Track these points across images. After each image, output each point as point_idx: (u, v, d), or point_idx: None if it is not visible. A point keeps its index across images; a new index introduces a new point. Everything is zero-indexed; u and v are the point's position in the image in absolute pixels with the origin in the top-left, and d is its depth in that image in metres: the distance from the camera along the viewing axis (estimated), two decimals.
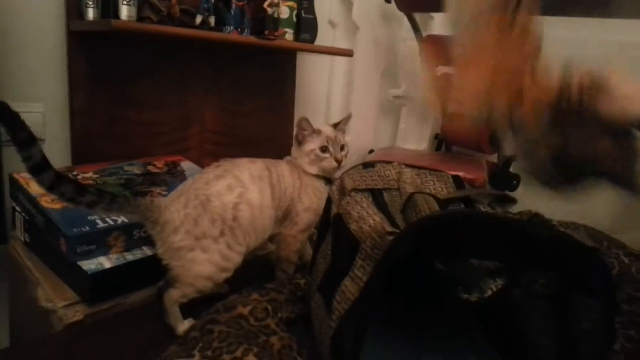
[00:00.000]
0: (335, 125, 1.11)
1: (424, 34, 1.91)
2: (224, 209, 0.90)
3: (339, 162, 1.06)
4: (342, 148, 1.08)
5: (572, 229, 1.08)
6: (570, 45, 1.72)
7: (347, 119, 1.13)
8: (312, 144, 1.05)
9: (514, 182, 1.83)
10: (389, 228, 0.60)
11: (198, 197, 0.89)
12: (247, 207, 0.93)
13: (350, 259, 0.63)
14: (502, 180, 1.81)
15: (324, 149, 1.05)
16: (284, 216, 1.03)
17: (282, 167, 1.04)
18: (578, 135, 0.76)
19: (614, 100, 0.73)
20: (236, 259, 0.92)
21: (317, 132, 1.06)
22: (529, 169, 0.85)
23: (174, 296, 0.88)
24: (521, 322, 0.82)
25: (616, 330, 0.74)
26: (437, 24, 1.99)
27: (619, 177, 0.81)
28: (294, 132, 1.07)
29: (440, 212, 0.63)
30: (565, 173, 0.81)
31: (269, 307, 0.88)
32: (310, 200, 1.04)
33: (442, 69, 1.21)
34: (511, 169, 1.81)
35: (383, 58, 1.99)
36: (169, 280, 0.89)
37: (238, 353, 0.75)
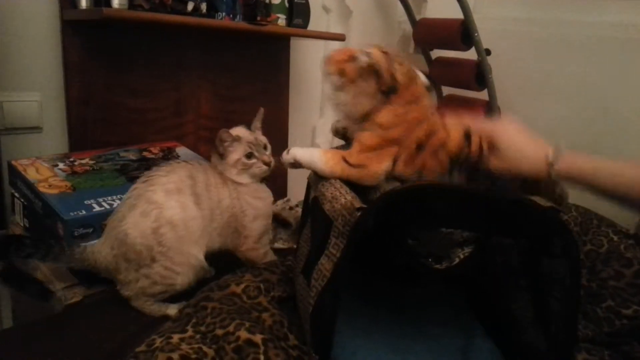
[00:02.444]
0: (248, 127, 1.08)
1: (418, 17, 1.92)
2: (144, 237, 0.88)
3: (267, 164, 1.03)
4: (265, 148, 1.05)
5: (563, 207, 1.10)
6: (566, 26, 1.73)
7: (260, 115, 1.10)
8: (236, 154, 1.01)
9: None
10: (358, 204, 0.62)
11: (117, 236, 0.89)
12: (169, 227, 0.89)
13: (325, 238, 0.66)
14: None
15: (249, 156, 1.01)
16: (232, 231, 1.01)
17: (214, 176, 1.00)
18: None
19: (503, 160, 0.80)
20: (181, 277, 0.92)
21: (237, 139, 1.02)
22: None
23: (138, 304, 0.92)
24: (504, 298, 0.85)
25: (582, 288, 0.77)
26: (431, 7, 2.00)
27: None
28: (216, 146, 1.02)
29: (406, 186, 0.66)
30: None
31: (262, 286, 0.91)
32: (254, 207, 1.02)
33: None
34: None
35: (377, 41, 1.99)
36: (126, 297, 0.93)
37: (231, 328, 0.78)
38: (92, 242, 0.96)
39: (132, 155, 1.29)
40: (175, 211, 0.90)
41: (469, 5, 1.68)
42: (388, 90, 0.82)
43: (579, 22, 1.76)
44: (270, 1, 1.47)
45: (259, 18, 1.47)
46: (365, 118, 0.84)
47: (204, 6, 1.36)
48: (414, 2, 1.94)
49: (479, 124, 0.85)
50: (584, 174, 0.75)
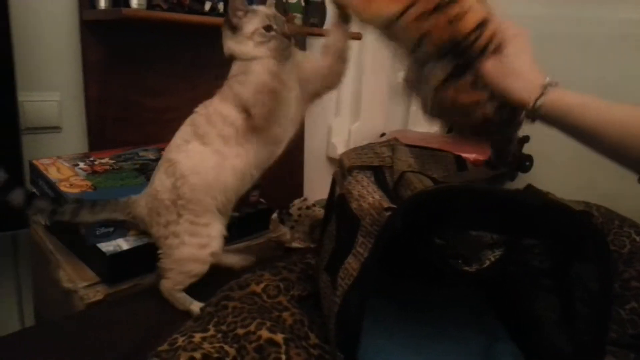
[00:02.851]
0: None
1: None
2: (169, 192, 0.91)
3: (288, 37, 0.93)
4: (284, 23, 0.95)
5: (583, 207, 1.09)
6: (584, 24, 1.71)
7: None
8: (252, 25, 0.92)
9: (527, 163, 1.83)
10: (386, 204, 0.62)
11: (150, 193, 0.94)
12: (183, 180, 0.90)
13: (352, 237, 0.65)
14: (515, 160, 1.81)
15: (267, 28, 0.91)
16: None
17: (213, 102, 0.96)
18: (462, 81, 0.76)
19: (501, 68, 0.74)
20: (208, 230, 0.91)
21: (253, 12, 0.93)
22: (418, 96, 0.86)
23: (167, 285, 0.92)
24: (526, 299, 0.84)
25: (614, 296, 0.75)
26: None
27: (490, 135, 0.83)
28: (225, 18, 0.94)
29: (435, 187, 0.65)
30: (438, 113, 0.83)
31: (281, 285, 0.91)
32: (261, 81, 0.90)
33: None
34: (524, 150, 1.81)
35: None
36: (159, 272, 0.93)
37: (252, 327, 0.78)
38: (135, 195, 0.99)
39: (151, 155, 1.30)
40: (184, 162, 0.91)
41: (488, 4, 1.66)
42: None
43: (597, 19, 1.74)
44: (287, 1, 1.47)
45: None
46: None
47: (221, 6, 1.36)
48: None
49: (499, 20, 0.77)
50: (571, 108, 0.70)
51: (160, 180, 0.92)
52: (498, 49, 0.75)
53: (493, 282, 0.86)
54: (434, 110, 0.81)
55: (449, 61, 0.75)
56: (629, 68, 1.61)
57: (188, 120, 0.96)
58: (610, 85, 1.61)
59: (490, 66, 0.74)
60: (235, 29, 0.93)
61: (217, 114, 0.92)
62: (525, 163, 1.82)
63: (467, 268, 0.70)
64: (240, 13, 0.92)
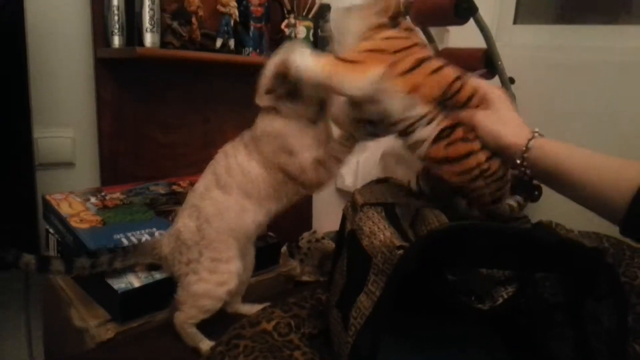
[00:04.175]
0: None
1: (440, 46, 1.93)
2: (191, 235, 0.93)
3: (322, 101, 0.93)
4: None
5: (593, 239, 1.08)
6: (591, 52, 1.73)
7: None
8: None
9: (536, 192, 1.82)
10: (398, 242, 0.61)
11: (173, 233, 0.96)
12: (207, 224, 0.93)
13: (364, 274, 0.65)
14: (524, 190, 1.80)
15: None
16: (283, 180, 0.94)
17: (234, 153, 0.96)
18: (453, 136, 0.77)
19: (489, 119, 0.76)
20: (229, 266, 0.94)
21: None
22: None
23: (181, 318, 0.93)
24: (540, 335, 0.82)
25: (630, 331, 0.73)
26: (453, 36, 2.01)
27: (483, 207, 0.83)
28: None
29: (445, 226, 0.65)
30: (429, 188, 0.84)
31: (292, 323, 0.90)
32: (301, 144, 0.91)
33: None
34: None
35: None
36: (174, 305, 0.94)
37: None
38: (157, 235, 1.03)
39: (161, 189, 1.31)
40: (208, 209, 0.94)
41: (492, 34, 1.68)
42: (394, 16, 0.79)
43: (604, 48, 1.75)
44: (295, 36, 1.50)
45: None
46: (368, 35, 0.78)
47: (232, 42, 1.39)
48: (436, 31, 1.95)
49: (476, 79, 0.81)
50: (558, 156, 0.71)
51: (184, 223, 0.95)
52: (484, 104, 0.77)
53: (506, 317, 0.85)
54: (422, 179, 0.84)
55: (436, 122, 0.76)
56: (634, 96, 1.61)
57: (210, 168, 0.98)
58: (615, 113, 1.61)
59: (481, 116, 0.76)
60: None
61: (239, 168, 0.94)
62: (534, 193, 1.81)
63: (480, 306, 0.70)
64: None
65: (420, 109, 0.76)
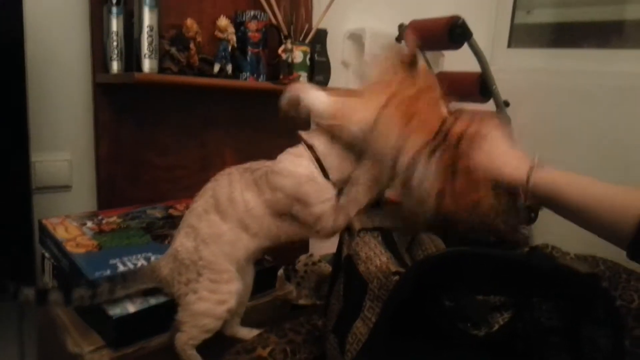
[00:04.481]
0: None
1: (435, 71, 1.96)
2: (189, 254, 0.93)
3: None
4: None
5: (589, 263, 1.08)
6: (584, 76, 1.75)
7: None
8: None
9: (532, 214, 1.83)
10: (394, 268, 0.62)
11: (171, 253, 0.96)
12: (204, 245, 0.93)
13: (360, 300, 0.65)
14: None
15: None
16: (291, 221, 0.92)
17: (240, 185, 0.94)
18: (457, 183, 0.77)
19: (486, 157, 0.77)
20: (229, 286, 0.94)
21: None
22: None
23: (182, 339, 0.92)
24: (536, 358, 0.82)
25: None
26: (448, 60, 2.04)
27: (498, 232, 0.84)
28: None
29: (441, 252, 0.65)
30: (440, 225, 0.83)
31: (288, 349, 0.90)
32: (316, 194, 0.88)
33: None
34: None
35: None
36: (175, 326, 0.94)
37: None
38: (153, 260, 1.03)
39: (158, 213, 1.31)
40: (205, 230, 0.94)
41: (486, 58, 1.71)
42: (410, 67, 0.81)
43: (598, 73, 1.78)
44: (292, 60, 1.52)
45: (281, 77, 1.51)
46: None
47: (229, 67, 1.41)
48: (432, 55, 1.98)
49: (472, 116, 0.81)
50: (559, 185, 0.72)
51: (181, 242, 0.95)
52: (478, 142, 0.78)
53: (502, 342, 0.85)
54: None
55: (431, 162, 0.77)
56: (628, 121, 1.63)
57: (209, 190, 0.97)
58: (610, 137, 1.63)
59: (477, 156, 0.77)
60: None
61: (243, 202, 0.93)
62: (530, 215, 1.82)
63: (476, 332, 0.69)
64: None
65: (412, 145, 0.77)
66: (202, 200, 0.97)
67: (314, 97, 0.82)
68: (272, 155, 1.65)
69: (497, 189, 0.78)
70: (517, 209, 0.81)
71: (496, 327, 0.72)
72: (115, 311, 0.96)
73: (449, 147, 0.77)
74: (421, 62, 0.85)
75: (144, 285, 0.98)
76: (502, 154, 0.77)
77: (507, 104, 1.75)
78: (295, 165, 0.89)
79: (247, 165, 0.99)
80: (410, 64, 0.82)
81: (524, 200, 0.77)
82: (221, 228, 0.93)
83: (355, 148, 0.85)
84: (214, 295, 0.92)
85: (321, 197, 0.87)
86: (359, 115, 0.78)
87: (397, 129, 0.77)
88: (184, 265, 0.93)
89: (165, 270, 0.96)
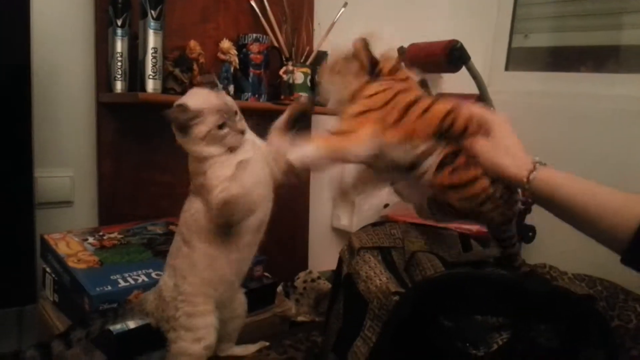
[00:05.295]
0: (212, 86, 0.92)
1: (434, 92, 1.99)
2: (170, 292, 0.94)
3: (242, 132, 0.90)
4: (236, 114, 0.90)
5: (587, 282, 1.09)
6: (581, 99, 1.77)
7: (211, 76, 0.96)
8: (205, 126, 0.87)
9: (530, 233, 1.84)
10: (393, 288, 0.63)
11: (157, 291, 0.97)
12: (183, 279, 0.93)
13: (360, 319, 0.66)
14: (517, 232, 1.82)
15: (221, 126, 0.87)
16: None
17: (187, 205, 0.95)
18: (456, 163, 0.80)
19: (490, 150, 0.78)
20: (204, 321, 0.92)
21: (200, 113, 0.86)
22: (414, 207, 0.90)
23: None
24: None
25: None
26: (447, 82, 2.07)
27: (494, 228, 0.85)
28: (172, 123, 0.90)
29: (440, 274, 0.67)
30: (440, 213, 0.85)
31: None
32: (216, 176, 0.88)
33: None
34: (527, 221, 1.82)
35: None
36: None
37: None
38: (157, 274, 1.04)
39: (158, 229, 1.33)
40: (181, 266, 0.94)
41: (484, 80, 1.74)
42: (371, 69, 0.83)
43: (596, 95, 1.81)
44: (293, 81, 1.55)
45: (282, 97, 1.54)
46: (354, 97, 0.83)
47: (231, 88, 1.44)
48: (431, 77, 2.01)
49: (473, 107, 0.83)
50: (559, 185, 0.73)
51: (165, 281, 0.96)
52: (483, 131, 0.80)
53: None
54: (432, 205, 0.85)
55: (438, 152, 0.80)
56: (625, 143, 1.65)
57: (177, 228, 0.99)
58: (607, 160, 1.65)
59: (480, 145, 0.79)
60: (185, 129, 0.88)
61: (189, 214, 0.94)
62: (528, 234, 1.82)
63: (475, 352, 0.70)
64: (187, 121, 0.87)
65: (420, 148, 0.79)
66: (174, 242, 0.98)
67: (301, 156, 0.80)
68: None
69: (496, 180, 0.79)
70: (512, 201, 0.82)
71: (495, 347, 0.73)
72: (115, 327, 0.97)
73: (454, 138, 0.80)
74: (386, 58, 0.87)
75: (133, 318, 0.99)
76: (506, 149, 0.79)
77: None
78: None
79: None
80: (371, 70, 0.85)
81: (524, 197, 0.78)
82: (192, 257, 0.93)
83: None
84: (189, 334, 0.92)
85: (219, 174, 0.88)
86: (355, 141, 0.79)
87: (398, 144, 0.79)
88: (166, 302, 0.94)
89: (152, 306, 0.97)
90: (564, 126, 1.84)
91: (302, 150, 0.79)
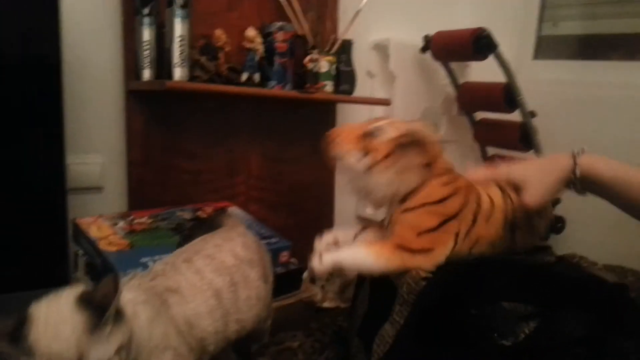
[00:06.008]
0: None
1: (460, 81, 1.97)
2: None
3: None
4: None
5: (617, 273, 1.07)
6: (610, 87, 1.73)
7: None
8: None
9: (559, 224, 1.81)
10: (423, 274, 0.63)
11: None
12: None
13: (388, 304, 0.66)
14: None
15: None
16: None
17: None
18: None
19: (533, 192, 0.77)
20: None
21: None
22: None
23: None
24: None
25: None
26: (473, 70, 2.05)
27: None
28: None
29: (466, 258, 0.66)
30: None
31: (316, 345, 0.91)
32: None
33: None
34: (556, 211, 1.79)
35: (421, 105, 2.04)
36: None
37: None
38: None
39: (186, 215, 1.35)
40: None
41: (512, 68, 1.71)
42: (430, 162, 0.77)
43: (625, 84, 1.77)
44: (318, 70, 1.55)
45: (307, 86, 1.54)
46: (407, 197, 0.76)
47: (257, 76, 1.44)
48: (457, 66, 1.99)
49: (497, 173, 0.82)
50: (602, 173, 0.75)
51: None
52: (517, 187, 0.80)
53: (528, 352, 0.84)
54: None
55: (521, 232, 0.80)
56: None
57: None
58: (637, 149, 1.61)
59: (527, 196, 0.78)
60: None
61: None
62: (557, 225, 1.80)
63: (502, 342, 0.69)
64: None
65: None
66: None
67: (356, 257, 0.74)
68: (295, 162, 1.67)
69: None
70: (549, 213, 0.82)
71: (522, 337, 0.72)
72: None
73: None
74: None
75: None
76: (541, 172, 0.80)
77: (533, 114, 1.74)
78: None
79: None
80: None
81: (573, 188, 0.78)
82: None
83: None
84: None
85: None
86: (433, 261, 0.71)
87: (469, 246, 0.75)
88: None
89: None
90: (595, 115, 1.80)
91: (365, 260, 0.72)
